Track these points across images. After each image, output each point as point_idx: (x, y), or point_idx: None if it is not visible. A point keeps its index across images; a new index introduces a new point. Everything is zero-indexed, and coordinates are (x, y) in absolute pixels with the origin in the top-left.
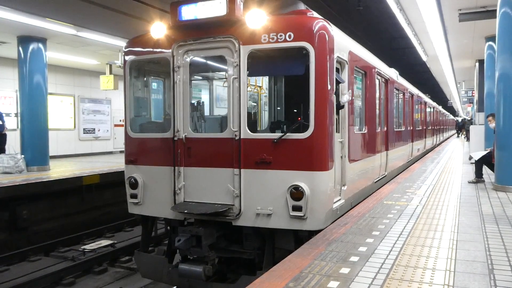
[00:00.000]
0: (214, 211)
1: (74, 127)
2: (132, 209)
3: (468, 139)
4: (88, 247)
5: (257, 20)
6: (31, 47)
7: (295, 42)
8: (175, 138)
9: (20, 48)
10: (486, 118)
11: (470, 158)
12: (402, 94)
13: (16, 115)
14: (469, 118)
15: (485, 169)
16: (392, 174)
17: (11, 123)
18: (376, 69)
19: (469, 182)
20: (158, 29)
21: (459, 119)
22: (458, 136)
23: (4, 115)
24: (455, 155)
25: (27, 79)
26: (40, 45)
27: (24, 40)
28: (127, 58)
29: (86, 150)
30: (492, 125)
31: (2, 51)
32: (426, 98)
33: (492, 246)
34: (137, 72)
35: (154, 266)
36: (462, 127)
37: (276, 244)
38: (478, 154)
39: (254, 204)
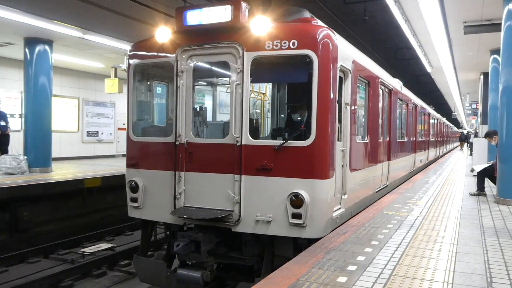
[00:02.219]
0: (214, 216)
1: (78, 129)
2: (132, 213)
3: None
4: (87, 250)
5: (261, 27)
6: (37, 48)
7: (298, 50)
8: (177, 143)
9: (27, 50)
10: (491, 127)
11: (472, 170)
12: (405, 105)
13: (21, 116)
14: (473, 131)
15: (487, 182)
16: (393, 184)
17: (15, 124)
18: (380, 79)
19: (471, 195)
20: (163, 33)
21: (464, 131)
22: (461, 149)
23: (8, 116)
24: (458, 167)
25: (32, 80)
26: (47, 47)
27: (31, 41)
28: (131, 61)
29: (89, 153)
30: (493, 142)
31: (9, 52)
32: (430, 110)
33: (491, 259)
34: (141, 76)
35: (152, 270)
36: (464, 140)
37: (275, 251)
38: (479, 167)
39: (254, 210)
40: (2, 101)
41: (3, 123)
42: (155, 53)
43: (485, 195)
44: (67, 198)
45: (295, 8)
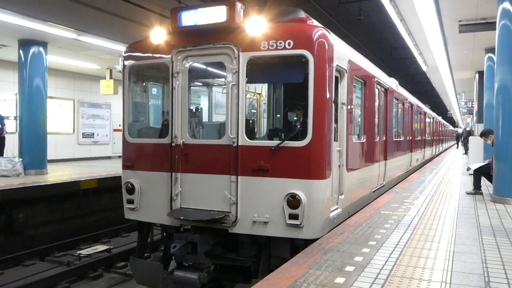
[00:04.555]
0: (210, 218)
1: (73, 131)
2: (128, 215)
3: (466, 152)
4: (84, 252)
5: (257, 27)
6: (31, 50)
7: (294, 50)
8: (173, 144)
9: (21, 52)
10: (487, 126)
11: (468, 169)
12: (401, 104)
13: (15, 118)
14: (467, 129)
15: (484, 181)
16: (390, 184)
17: (10, 126)
18: (376, 79)
19: (467, 193)
20: (158, 34)
21: (460, 130)
22: (457, 147)
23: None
24: (454, 166)
25: (27, 82)
26: (41, 49)
27: (25, 43)
28: (126, 63)
29: (85, 155)
30: (488, 141)
31: (3, 54)
32: (425, 108)
33: (489, 258)
34: (136, 77)
35: (149, 272)
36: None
37: (272, 252)
38: (475, 165)
39: (251, 211)
40: None
41: None
42: (150, 54)
43: (481, 193)
44: (62, 200)
45: (290, 8)
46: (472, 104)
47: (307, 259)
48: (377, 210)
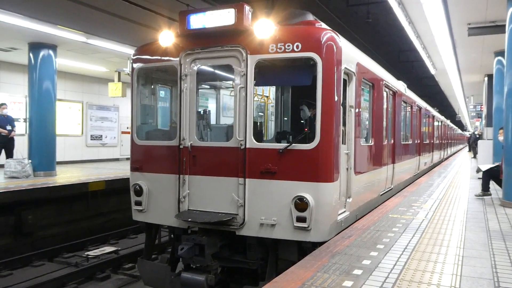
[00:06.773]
0: (218, 220)
1: (82, 133)
2: (136, 216)
3: (475, 156)
4: (92, 253)
5: (265, 30)
6: (41, 53)
7: (302, 53)
8: (181, 146)
9: (31, 55)
10: (498, 130)
11: (478, 170)
12: (410, 107)
13: (25, 120)
14: (477, 133)
15: (493, 185)
16: (398, 187)
17: (20, 128)
18: (384, 82)
19: (476, 196)
20: (166, 37)
21: (468, 134)
22: (469, 151)
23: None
24: (463, 170)
25: (36, 85)
26: (51, 52)
27: (35, 46)
28: (135, 65)
29: (93, 157)
30: (501, 138)
31: (13, 57)
32: (434, 112)
33: (498, 263)
34: (144, 79)
35: (156, 274)
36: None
37: (280, 255)
38: (485, 166)
39: (258, 214)
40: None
41: (9, 127)
42: (159, 57)
43: (490, 195)
44: (71, 201)
45: (298, 11)
46: (481, 107)
47: (314, 262)
48: (385, 213)
